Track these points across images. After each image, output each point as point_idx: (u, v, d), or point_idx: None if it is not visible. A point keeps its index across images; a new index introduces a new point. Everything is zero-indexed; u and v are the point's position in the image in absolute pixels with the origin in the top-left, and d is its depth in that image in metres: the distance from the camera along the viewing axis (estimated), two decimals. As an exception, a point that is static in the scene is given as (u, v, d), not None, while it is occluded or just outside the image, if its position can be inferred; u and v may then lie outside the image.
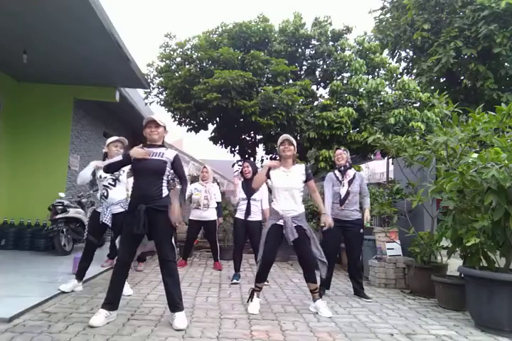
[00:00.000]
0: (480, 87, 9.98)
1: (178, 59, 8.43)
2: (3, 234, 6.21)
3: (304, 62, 9.15)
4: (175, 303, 2.91)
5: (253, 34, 8.28)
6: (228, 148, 8.87)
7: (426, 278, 4.13)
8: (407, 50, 12.14)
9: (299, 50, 8.88)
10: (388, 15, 12.40)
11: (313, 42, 8.81)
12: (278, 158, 3.85)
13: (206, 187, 5.67)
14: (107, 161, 3.41)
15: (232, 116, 7.49)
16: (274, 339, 2.71)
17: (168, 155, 3.05)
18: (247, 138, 8.80)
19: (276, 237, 3.40)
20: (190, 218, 5.73)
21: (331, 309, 3.46)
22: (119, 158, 3.12)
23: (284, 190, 3.44)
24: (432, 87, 11.06)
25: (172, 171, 3.10)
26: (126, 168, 3.73)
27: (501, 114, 3.73)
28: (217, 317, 3.15)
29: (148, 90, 8.46)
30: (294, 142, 3.53)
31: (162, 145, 3.11)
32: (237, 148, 8.91)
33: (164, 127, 3.09)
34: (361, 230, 4.15)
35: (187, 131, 8.70)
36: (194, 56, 8.25)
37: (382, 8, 12.67)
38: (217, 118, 8.20)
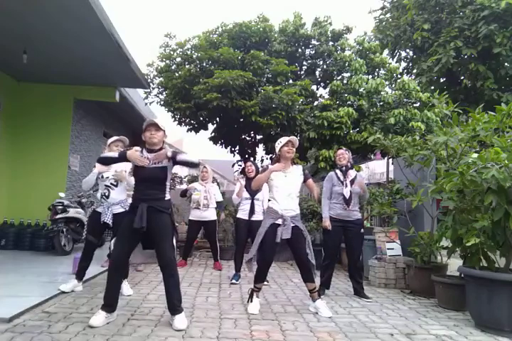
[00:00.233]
0: (480, 87, 9.96)
1: (178, 59, 8.43)
2: (3, 234, 6.21)
3: (304, 62, 9.14)
4: (174, 307, 2.91)
5: (253, 34, 8.28)
6: (228, 148, 8.87)
7: (426, 278, 4.13)
8: (407, 50, 12.12)
9: (299, 50, 8.87)
10: (388, 15, 12.39)
11: (313, 42, 8.80)
12: (274, 156, 3.87)
13: (206, 187, 5.67)
14: (105, 154, 3.36)
15: (232, 116, 7.49)
16: (274, 339, 2.71)
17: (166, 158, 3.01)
18: (247, 138, 8.79)
19: (276, 237, 3.40)
20: (190, 218, 5.72)
21: (331, 309, 3.46)
22: (116, 154, 3.10)
23: (284, 191, 3.47)
24: (432, 87, 11.04)
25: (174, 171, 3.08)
26: (128, 168, 3.73)
27: (501, 114, 3.73)
28: (217, 317, 3.15)
29: (148, 90, 8.46)
30: (297, 145, 3.55)
31: (161, 149, 3.03)
32: (237, 148, 8.90)
33: (164, 131, 3.08)
34: (362, 230, 4.16)
35: (187, 131, 8.70)
36: (194, 56, 8.25)
37: (382, 8, 12.66)
38: (217, 118, 8.20)
